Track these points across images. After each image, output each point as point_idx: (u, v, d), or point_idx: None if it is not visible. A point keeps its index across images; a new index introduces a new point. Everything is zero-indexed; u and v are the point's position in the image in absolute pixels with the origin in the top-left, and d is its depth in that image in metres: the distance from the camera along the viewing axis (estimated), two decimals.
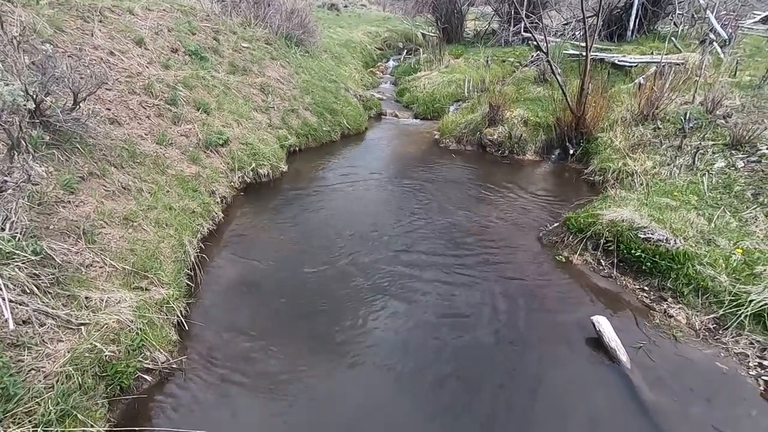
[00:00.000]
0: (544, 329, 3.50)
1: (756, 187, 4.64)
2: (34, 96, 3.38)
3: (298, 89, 8.25)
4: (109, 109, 4.78)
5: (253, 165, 5.91)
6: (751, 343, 3.18)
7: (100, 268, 3.19)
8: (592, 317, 3.40)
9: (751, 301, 3.29)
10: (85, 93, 4.04)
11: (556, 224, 4.87)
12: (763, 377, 2.97)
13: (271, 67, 8.29)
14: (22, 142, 2.91)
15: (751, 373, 3.02)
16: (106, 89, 4.87)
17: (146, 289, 3.30)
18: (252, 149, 6.05)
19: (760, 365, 3.05)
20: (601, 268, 4.21)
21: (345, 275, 4.10)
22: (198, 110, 5.93)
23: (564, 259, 4.40)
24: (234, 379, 2.97)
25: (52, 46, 4.61)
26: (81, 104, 4.06)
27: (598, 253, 4.29)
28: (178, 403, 2.79)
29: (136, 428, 2.55)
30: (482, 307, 3.74)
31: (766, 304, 3.23)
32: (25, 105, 2.98)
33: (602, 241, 4.26)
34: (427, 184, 6.24)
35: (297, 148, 7.26)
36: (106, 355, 2.63)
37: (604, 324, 3.31)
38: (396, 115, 9.93)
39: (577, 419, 2.75)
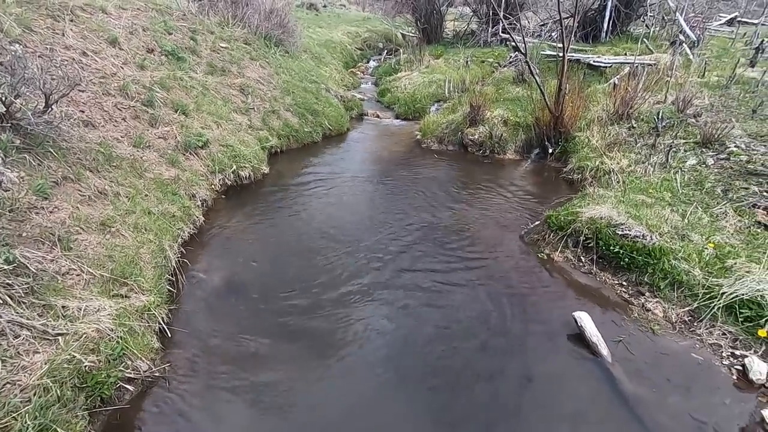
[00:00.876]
0: (527, 326, 3.56)
1: (725, 184, 4.83)
2: (3, 98, 3.25)
3: (279, 90, 8.17)
4: (83, 112, 4.64)
5: (234, 167, 5.83)
6: (724, 334, 3.31)
7: (77, 275, 3.10)
8: (573, 313, 3.48)
9: (723, 293, 3.42)
10: (57, 95, 3.91)
11: (537, 222, 4.96)
12: (735, 366, 3.10)
13: (251, 67, 8.18)
14: None
15: (724, 362, 3.14)
16: (80, 91, 4.72)
17: (126, 296, 3.22)
18: (232, 151, 5.96)
19: (733, 355, 3.18)
20: (581, 264, 4.31)
21: (330, 278, 4.08)
22: (176, 112, 5.81)
23: (545, 257, 4.48)
24: (219, 387, 2.92)
25: (21, 47, 4.44)
26: (53, 106, 3.93)
27: (578, 250, 4.39)
28: (162, 413, 2.73)
29: None
30: (465, 305, 3.78)
31: (736, 296, 3.37)
32: None
33: (582, 238, 4.36)
34: (409, 185, 6.27)
35: (278, 150, 7.19)
36: (85, 366, 2.55)
37: (585, 319, 3.39)
38: (377, 116, 9.94)
39: (561, 412, 2.81)
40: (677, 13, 10.93)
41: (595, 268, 4.20)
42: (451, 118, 8.20)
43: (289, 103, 8.00)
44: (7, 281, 2.60)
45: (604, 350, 3.21)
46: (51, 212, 3.38)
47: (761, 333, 3.17)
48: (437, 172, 6.86)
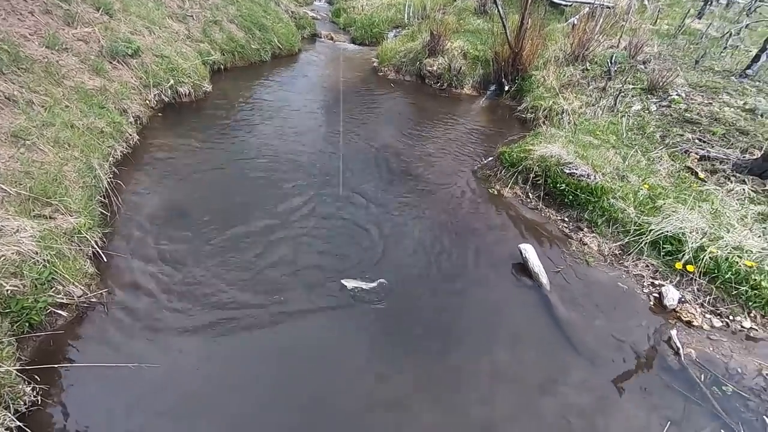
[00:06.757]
0: (474, 256, 3.70)
1: (664, 130, 5.11)
2: None
3: None
4: None
5: (172, 82, 5.23)
6: (647, 266, 3.67)
7: None
8: (519, 245, 3.66)
9: (650, 230, 3.74)
10: None
11: (489, 158, 5.02)
12: (653, 294, 3.47)
13: None
14: None
15: (644, 291, 3.51)
16: None
17: (51, 217, 2.89)
18: (169, 63, 5.31)
19: (652, 284, 3.54)
20: (528, 200, 4.48)
21: (277, 201, 3.93)
22: (98, 11, 4.98)
23: (496, 192, 4.60)
24: (162, 312, 2.80)
25: None
26: None
27: (527, 187, 4.54)
28: (100, 339, 2.59)
29: (56, 365, 2.34)
30: (415, 233, 3.83)
31: (662, 233, 3.69)
32: None
33: (532, 175, 4.49)
34: (364, 114, 6.03)
35: (222, 66, 6.53)
36: (7, 290, 2.31)
37: (529, 251, 3.59)
38: (332, 38, 9.26)
39: (501, 333, 3.03)
40: None
41: (541, 205, 4.39)
42: (410, 46, 7.82)
43: (234, 14, 7.16)
44: None
45: (544, 279, 3.45)
46: None
47: (677, 265, 3.54)
48: (393, 103, 6.64)
